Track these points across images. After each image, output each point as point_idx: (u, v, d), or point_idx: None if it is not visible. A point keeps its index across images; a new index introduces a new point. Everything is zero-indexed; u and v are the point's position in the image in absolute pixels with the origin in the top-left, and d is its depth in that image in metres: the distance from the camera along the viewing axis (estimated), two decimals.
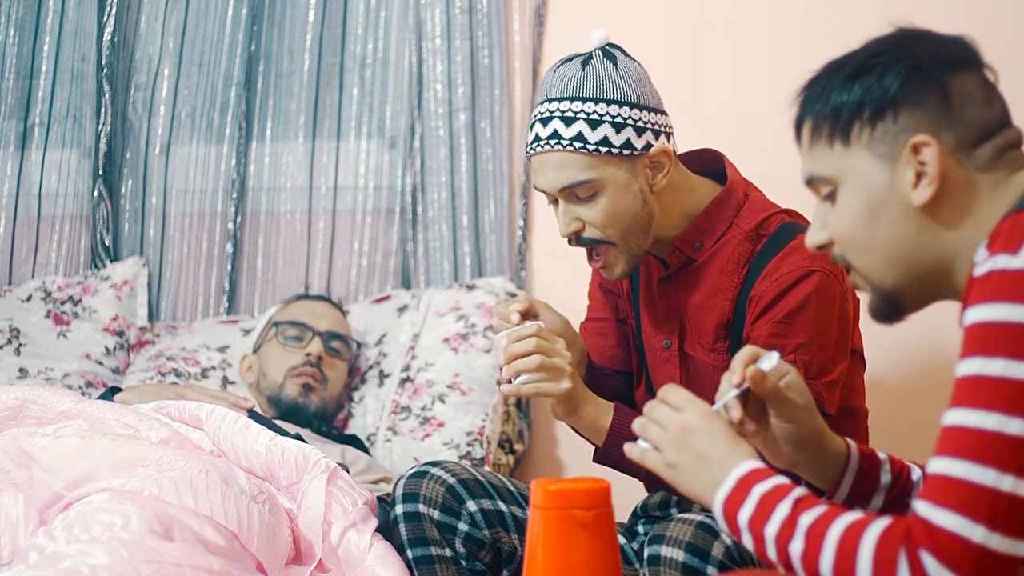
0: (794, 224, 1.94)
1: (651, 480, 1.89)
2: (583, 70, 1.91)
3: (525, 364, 1.85)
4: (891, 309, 1.40)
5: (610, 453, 1.90)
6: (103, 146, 2.90)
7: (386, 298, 2.86)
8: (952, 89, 1.33)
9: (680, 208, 1.98)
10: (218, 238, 2.98)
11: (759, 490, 1.31)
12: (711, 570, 1.69)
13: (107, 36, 2.89)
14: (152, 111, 2.95)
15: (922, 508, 1.19)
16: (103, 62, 2.88)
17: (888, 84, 1.34)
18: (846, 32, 2.94)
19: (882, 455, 1.59)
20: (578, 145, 1.88)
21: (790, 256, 1.89)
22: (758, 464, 1.35)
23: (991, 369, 1.18)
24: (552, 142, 1.90)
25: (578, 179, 1.90)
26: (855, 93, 1.35)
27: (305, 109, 2.95)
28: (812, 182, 1.42)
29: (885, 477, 1.57)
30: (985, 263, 1.22)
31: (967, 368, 1.20)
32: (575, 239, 1.96)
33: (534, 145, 1.94)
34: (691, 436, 1.39)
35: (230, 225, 2.96)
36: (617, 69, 1.91)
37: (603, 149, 1.88)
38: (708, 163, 2.05)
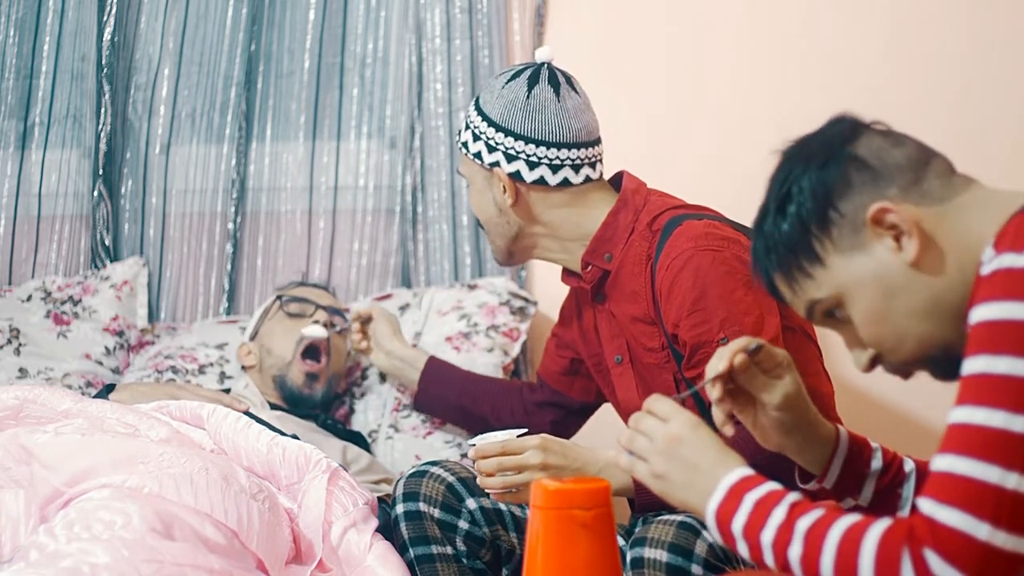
0: (679, 216, 1.99)
1: (643, 505, 1.88)
2: (501, 75, 2.10)
3: (492, 486, 1.87)
4: (925, 367, 1.38)
5: (647, 502, 1.86)
6: (103, 146, 2.90)
7: (387, 296, 2.86)
8: (861, 154, 1.34)
9: (583, 226, 2.08)
10: (218, 238, 2.97)
11: (752, 497, 1.31)
12: (695, 568, 1.69)
13: (107, 36, 2.88)
14: (152, 111, 2.95)
15: (926, 505, 1.19)
16: (103, 62, 2.88)
17: (810, 194, 1.34)
18: (847, 32, 2.95)
19: (874, 444, 1.59)
20: (456, 138, 2.16)
21: (672, 245, 1.95)
22: (748, 472, 1.34)
23: (997, 367, 1.18)
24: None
25: (458, 168, 2.19)
26: (792, 223, 1.35)
27: (305, 109, 2.95)
28: (812, 311, 1.40)
29: (876, 463, 1.57)
30: (992, 262, 1.22)
31: (973, 366, 1.20)
32: None
33: None
34: (679, 446, 1.38)
35: (230, 225, 2.96)
36: (529, 92, 2.05)
37: (463, 150, 2.13)
38: (620, 182, 2.12)
